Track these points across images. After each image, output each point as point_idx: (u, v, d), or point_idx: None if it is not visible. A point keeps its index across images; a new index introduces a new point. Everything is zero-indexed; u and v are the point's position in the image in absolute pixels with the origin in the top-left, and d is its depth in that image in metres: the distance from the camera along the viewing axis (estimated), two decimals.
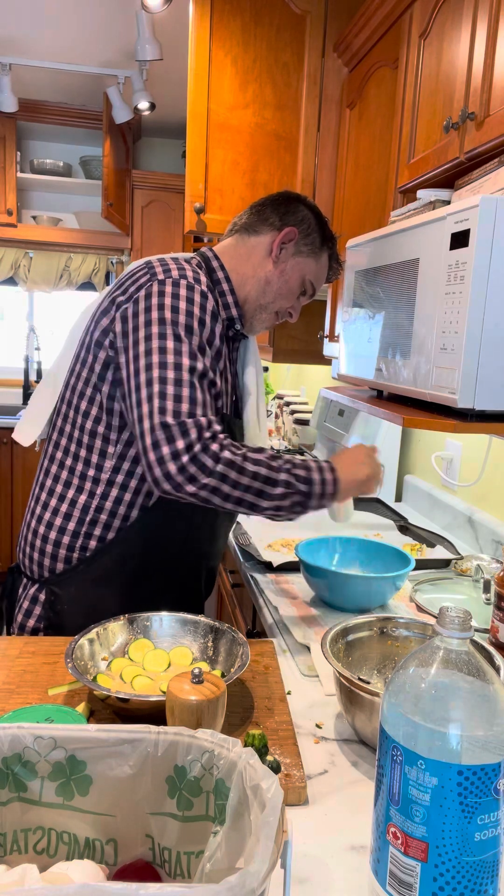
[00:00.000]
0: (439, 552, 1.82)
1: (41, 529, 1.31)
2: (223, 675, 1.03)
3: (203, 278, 1.25)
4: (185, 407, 1.12)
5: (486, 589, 1.48)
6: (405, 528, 2.03)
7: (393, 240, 1.40)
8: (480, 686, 0.64)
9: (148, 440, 1.10)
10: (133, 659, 1.08)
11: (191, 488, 1.10)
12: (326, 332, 2.23)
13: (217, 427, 1.14)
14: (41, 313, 4.87)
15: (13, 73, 3.61)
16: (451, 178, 1.47)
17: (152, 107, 3.53)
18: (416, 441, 2.38)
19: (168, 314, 1.17)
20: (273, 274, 1.37)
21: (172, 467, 1.09)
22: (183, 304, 1.18)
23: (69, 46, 3.33)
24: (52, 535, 1.30)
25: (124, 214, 4.19)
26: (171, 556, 1.34)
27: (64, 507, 1.29)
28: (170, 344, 1.15)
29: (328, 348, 2.22)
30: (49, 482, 1.32)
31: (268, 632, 1.38)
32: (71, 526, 1.29)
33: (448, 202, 1.41)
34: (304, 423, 3.19)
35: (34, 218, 4.42)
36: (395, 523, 2.04)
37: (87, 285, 4.72)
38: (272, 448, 3.18)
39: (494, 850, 0.64)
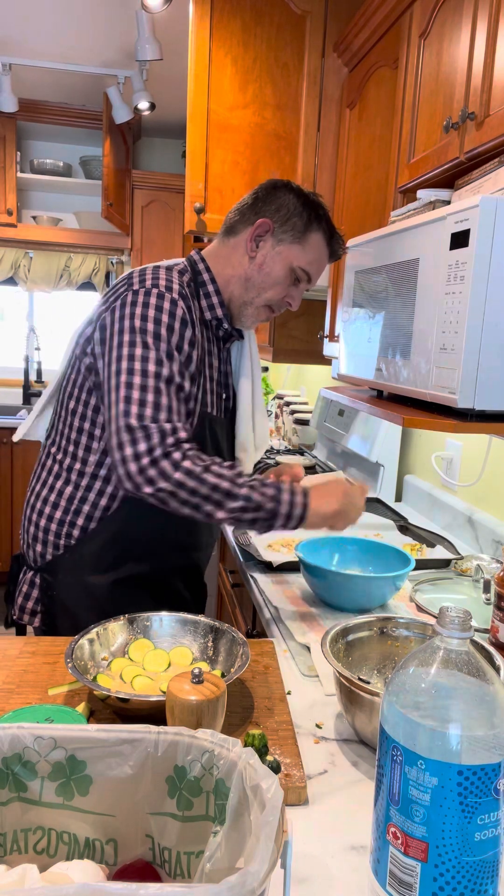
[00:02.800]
0: (439, 552, 1.82)
1: (34, 517, 1.41)
2: (223, 675, 1.03)
3: (175, 286, 1.29)
4: (148, 411, 1.18)
5: (486, 589, 1.48)
6: (405, 528, 2.03)
7: (393, 240, 1.40)
8: (480, 686, 0.64)
9: (114, 441, 1.18)
10: (133, 659, 1.08)
11: (148, 489, 1.16)
12: (326, 332, 2.23)
13: (182, 434, 1.19)
14: (41, 313, 4.87)
15: (13, 73, 3.60)
16: (451, 178, 1.47)
17: (152, 107, 3.53)
18: (416, 441, 2.38)
19: (137, 322, 1.24)
20: (251, 269, 1.38)
21: (133, 467, 1.16)
22: (152, 312, 1.24)
23: (69, 46, 3.33)
24: (43, 522, 1.39)
25: (124, 214, 4.19)
26: (149, 546, 1.39)
27: (53, 497, 1.38)
28: (138, 351, 1.22)
29: (328, 348, 2.22)
30: (44, 474, 1.42)
31: (268, 632, 1.38)
32: (58, 515, 1.38)
33: (448, 202, 1.41)
34: (304, 423, 3.19)
35: (34, 218, 4.42)
36: (395, 523, 2.04)
37: (87, 285, 4.72)
38: (271, 448, 3.17)
39: (494, 850, 0.64)
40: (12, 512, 4.17)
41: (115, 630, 1.10)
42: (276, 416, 3.71)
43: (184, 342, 1.26)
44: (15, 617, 1.44)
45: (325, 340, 2.25)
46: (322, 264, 1.42)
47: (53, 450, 1.41)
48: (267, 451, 3.09)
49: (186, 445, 1.19)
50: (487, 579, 1.49)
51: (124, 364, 1.22)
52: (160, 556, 1.41)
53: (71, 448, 1.37)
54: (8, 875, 0.59)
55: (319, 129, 2.21)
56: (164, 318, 1.25)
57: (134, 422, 1.17)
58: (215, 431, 1.42)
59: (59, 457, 1.40)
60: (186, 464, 1.16)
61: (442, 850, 0.63)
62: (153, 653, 1.09)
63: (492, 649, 1.00)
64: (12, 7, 2.96)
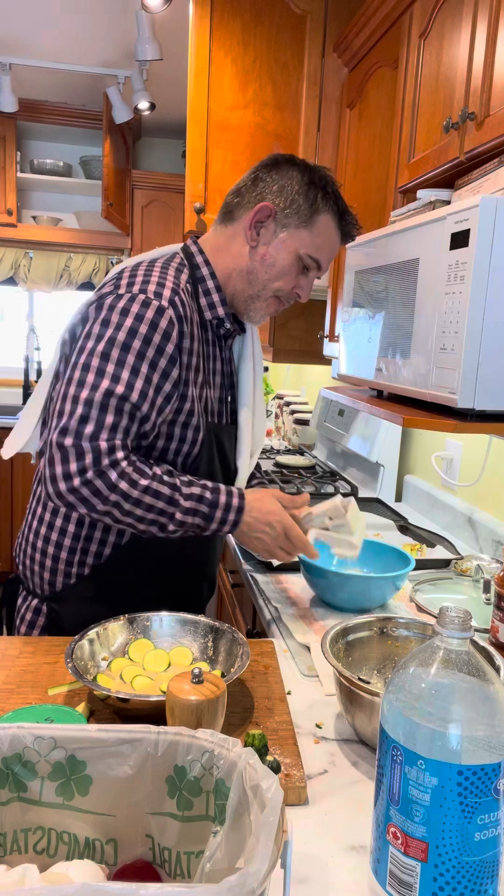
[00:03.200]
0: (439, 552, 1.82)
1: (39, 544, 1.29)
2: (223, 675, 1.03)
3: (167, 291, 1.15)
4: (88, 429, 1.08)
5: (486, 589, 1.48)
6: (405, 528, 2.03)
7: (393, 240, 1.40)
8: (480, 686, 0.64)
9: (46, 453, 1.10)
10: (133, 659, 1.08)
11: (82, 510, 1.10)
12: (326, 332, 2.23)
13: (120, 454, 1.10)
14: (41, 313, 4.87)
15: (13, 73, 3.61)
16: (451, 178, 1.47)
17: (152, 107, 3.53)
18: (416, 441, 2.38)
19: (109, 331, 1.12)
20: (253, 262, 1.26)
21: (62, 486, 1.08)
22: (129, 321, 1.12)
23: (69, 46, 3.33)
24: (51, 550, 1.28)
25: (124, 214, 4.19)
26: (168, 564, 1.31)
27: (60, 523, 1.27)
28: (95, 361, 1.11)
29: (328, 348, 2.22)
30: (44, 497, 1.29)
31: (268, 632, 1.38)
32: (68, 543, 1.26)
33: (448, 202, 1.41)
34: (304, 423, 3.19)
35: (34, 218, 4.42)
36: (395, 523, 2.04)
37: (87, 285, 4.72)
38: (271, 448, 3.17)
39: (494, 850, 0.64)
40: (12, 516, 4.17)
41: (115, 630, 1.10)
42: (276, 416, 3.71)
43: (160, 357, 1.14)
44: None
45: (325, 340, 2.25)
46: (334, 248, 1.30)
47: None
48: (266, 451, 3.09)
49: (124, 462, 1.10)
50: (487, 579, 1.49)
51: (77, 373, 1.11)
52: (180, 576, 1.35)
53: None
54: (8, 875, 0.59)
55: (319, 129, 2.21)
56: (143, 328, 1.12)
57: (68, 440, 1.08)
58: (222, 441, 1.34)
59: None
60: (122, 484, 1.09)
61: (442, 850, 0.63)
62: (153, 653, 1.09)
63: (492, 649, 1.00)
64: (12, 7, 2.96)
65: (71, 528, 1.26)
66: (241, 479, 1.39)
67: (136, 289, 1.15)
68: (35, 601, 1.31)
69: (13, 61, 3.50)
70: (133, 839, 0.66)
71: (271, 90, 2.18)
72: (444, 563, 1.73)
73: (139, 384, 1.12)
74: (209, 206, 2.18)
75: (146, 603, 1.23)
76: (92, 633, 1.06)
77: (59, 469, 1.08)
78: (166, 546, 1.25)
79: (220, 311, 1.28)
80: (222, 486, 1.20)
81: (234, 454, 1.38)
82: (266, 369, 4.15)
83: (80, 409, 1.09)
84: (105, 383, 1.10)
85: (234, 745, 0.63)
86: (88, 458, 1.08)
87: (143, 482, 1.11)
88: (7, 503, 4.14)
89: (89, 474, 1.08)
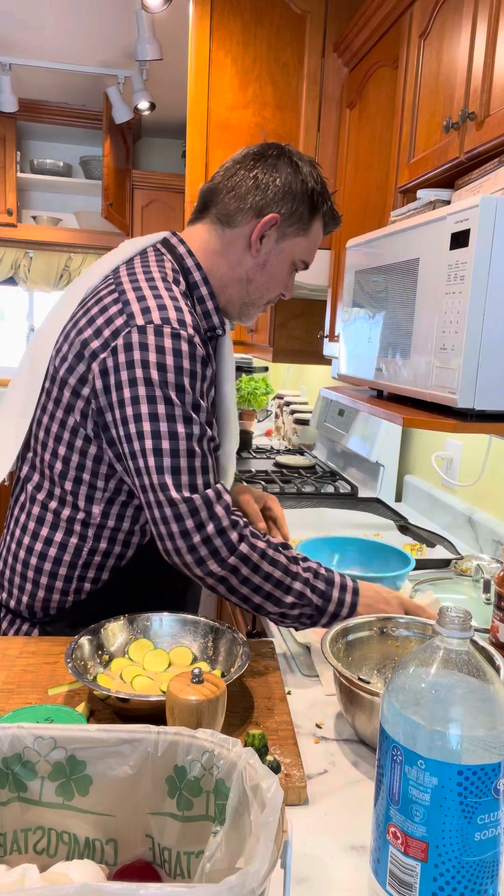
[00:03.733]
0: (439, 552, 1.83)
1: (29, 574, 1.21)
2: (223, 675, 1.03)
3: (187, 316, 1.09)
4: (184, 479, 1.04)
5: (486, 589, 1.48)
6: (405, 528, 2.03)
7: (393, 240, 1.40)
8: (480, 686, 0.64)
9: (155, 513, 1.05)
10: (133, 659, 1.08)
11: (198, 571, 1.05)
12: (326, 332, 2.24)
13: (227, 498, 1.06)
14: (41, 313, 4.87)
15: (13, 73, 3.61)
16: (451, 178, 1.47)
17: (152, 107, 3.53)
18: (416, 441, 2.38)
19: (155, 374, 1.04)
20: (253, 271, 1.21)
21: (182, 545, 1.04)
22: (170, 360, 1.05)
23: (69, 46, 3.33)
24: (43, 580, 1.21)
25: (124, 214, 4.19)
26: (171, 582, 1.28)
27: (52, 552, 1.19)
28: (161, 409, 1.04)
29: (328, 348, 2.22)
30: (32, 524, 1.21)
31: (268, 632, 1.38)
32: (62, 571, 1.20)
33: (448, 202, 1.41)
34: (304, 423, 3.19)
35: (34, 218, 4.43)
36: (395, 523, 2.04)
37: None
38: (271, 448, 3.16)
39: (494, 850, 0.64)
40: None
41: (115, 630, 1.10)
42: (276, 416, 3.71)
43: (206, 383, 1.10)
44: None
45: (325, 340, 2.25)
46: (318, 245, 1.28)
47: (41, 496, 1.20)
48: (266, 451, 3.09)
49: (242, 522, 1.06)
50: (487, 579, 1.49)
51: (146, 426, 1.04)
52: (177, 598, 1.31)
53: (68, 498, 1.18)
54: (8, 875, 0.59)
55: (319, 129, 2.21)
56: (186, 363, 1.06)
57: (174, 494, 1.03)
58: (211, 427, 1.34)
59: (52, 505, 1.19)
60: (243, 547, 1.04)
61: (442, 850, 0.63)
62: (153, 653, 1.09)
63: (492, 649, 1.00)
64: (12, 7, 2.96)
65: (66, 556, 1.20)
66: (227, 475, 1.34)
67: (155, 317, 1.06)
68: (25, 625, 1.26)
69: (13, 61, 3.50)
70: (133, 839, 0.66)
71: (271, 90, 2.18)
72: (444, 563, 1.73)
73: (203, 417, 1.09)
74: None
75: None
76: (92, 633, 1.06)
77: (174, 528, 1.04)
78: (164, 568, 1.20)
79: (215, 319, 1.23)
80: (333, 571, 1.14)
81: (221, 448, 1.33)
82: (266, 369, 4.15)
83: (167, 462, 1.04)
84: (181, 429, 1.05)
85: (234, 745, 0.63)
86: (204, 514, 1.03)
87: (261, 545, 1.07)
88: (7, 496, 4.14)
89: (209, 530, 1.04)
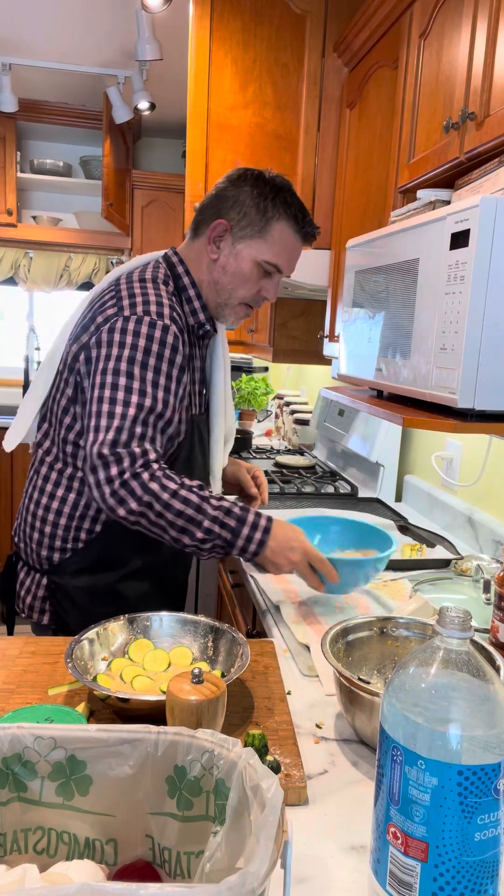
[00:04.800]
0: (439, 552, 1.82)
1: (37, 524, 1.42)
2: (223, 675, 1.03)
3: (166, 309, 1.29)
4: (122, 437, 1.21)
5: (486, 589, 1.48)
6: (405, 528, 2.03)
7: (393, 240, 1.40)
8: (480, 686, 0.64)
9: (88, 463, 1.22)
10: (133, 659, 1.08)
11: (121, 511, 1.20)
12: (326, 332, 2.24)
13: (151, 456, 1.22)
14: (41, 313, 4.87)
15: (13, 73, 3.61)
16: (451, 178, 1.47)
17: (152, 107, 3.53)
18: (416, 441, 2.38)
19: (126, 351, 1.25)
20: (217, 273, 1.39)
21: (106, 490, 1.20)
22: (142, 342, 1.26)
23: (69, 46, 3.33)
24: (48, 529, 1.41)
25: (124, 214, 4.19)
26: (152, 539, 1.35)
27: (56, 505, 1.40)
28: (122, 380, 1.24)
29: (328, 348, 2.22)
30: (41, 482, 1.43)
31: (268, 632, 1.38)
32: (63, 521, 1.40)
33: (448, 202, 1.41)
34: (304, 423, 3.19)
35: (34, 218, 4.42)
36: (395, 523, 2.04)
37: (87, 285, 4.72)
38: (271, 448, 3.17)
39: (494, 850, 0.64)
40: (12, 511, 4.17)
41: (115, 630, 1.10)
42: (276, 416, 3.71)
43: (173, 368, 1.28)
44: (24, 615, 1.47)
45: (325, 340, 2.25)
46: (294, 251, 1.40)
47: (49, 459, 1.43)
48: (266, 451, 3.09)
49: (155, 465, 1.21)
50: (487, 579, 1.49)
51: (107, 392, 1.24)
52: (162, 546, 1.41)
53: (70, 459, 1.39)
54: (8, 875, 0.59)
55: (319, 129, 2.21)
56: (154, 346, 1.26)
57: (106, 449, 1.20)
58: (199, 429, 1.47)
59: (57, 466, 1.41)
60: (154, 486, 1.19)
61: (442, 850, 0.63)
62: (153, 653, 1.09)
63: (492, 649, 1.00)
64: (12, 7, 2.96)
65: (66, 508, 1.39)
66: (216, 462, 1.53)
67: (139, 310, 1.28)
68: (36, 574, 1.44)
69: (13, 61, 3.50)
70: (133, 839, 0.66)
71: (271, 90, 2.17)
72: (444, 563, 1.73)
73: (161, 395, 1.26)
74: None
75: (133, 574, 1.40)
76: (92, 633, 1.06)
77: (101, 475, 1.20)
78: None
79: (202, 316, 1.42)
80: (250, 508, 1.28)
81: (208, 441, 1.52)
82: (266, 369, 4.16)
83: (115, 422, 1.22)
84: (134, 399, 1.23)
85: (234, 745, 0.63)
86: (126, 462, 1.20)
87: (173, 486, 1.21)
88: (8, 489, 4.17)
89: (126, 475, 1.19)
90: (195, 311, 1.41)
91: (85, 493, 1.38)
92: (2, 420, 4.15)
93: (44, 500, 1.42)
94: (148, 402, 1.24)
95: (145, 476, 1.20)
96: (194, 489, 1.23)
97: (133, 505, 1.19)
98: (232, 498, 1.39)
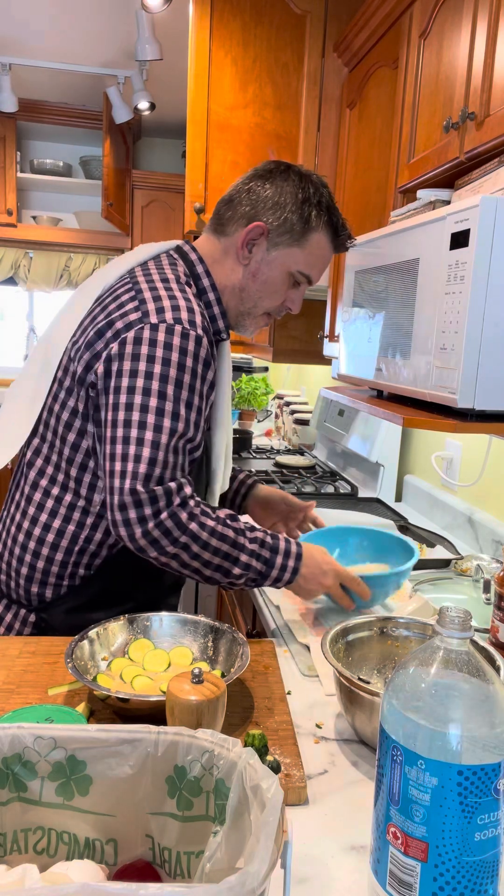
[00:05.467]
0: (439, 552, 1.82)
1: (27, 558, 1.26)
2: (223, 675, 1.03)
3: (198, 318, 1.15)
4: (156, 471, 1.08)
5: (486, 589, 1.48)
6: (405, 528, 2.03)
7: (393, 240, 1.40)
8: (480, 686, 0.64)
9: (115, 499, 1.08)
10: (133, 659, 1.08)
11: (152, 553, 1.09)
12: (326, 332, 2.24)
13: (187, 490, 1.10)
14: (41, 313, 4.87)
15: (13, 73, 3.61)
16: (451, 178, 1.47)
17: (152, 107, 3.53)
18: (416, 441, 2.38)
19: (157, 368, 1.10)
20: (245, 280, 1.26)
21: (137, 531, 1.07)
22: (175, 357, 1.11)
23: (69, 46, 3.33)
24: (40, 564, 1.25)
25: (124, 214, 4.19)
26: (156, 573, 1.30)
27: (51, 538, 1.24)
28: (153, 402, 1.09)
29: (328, 348, 2.22)
30: (33, 510, 1.25)
31: (268, 632, 1.38)
32: (59, 556, 1.24)
33: (448, 202, 1.41)
34: (304, 423, 3.19)
35: (34, 218, 4.42)
36: (395, 523, 2.04)
37: None
38: (271, 448, 3.16)
39: (494, 850, 0.64)
40: None
41: (115, 630, 1.10)
42: (277, 416, 3.71)
43: (205, 385, 1.16)
44: None
45: (325, 340, 2.25)
46: (325, 262, 1.29)
47: (44, 482, 1.24)
48: (266, 451, 3.09)
49: (192, 502, 1.11)
50: (487, 579, 1.49)
51: (135, 415, 1.09)
52: (163, 577, 1.33)
53: (71, 484, 1.22)
54: (8, 875, 0.59)
55: (319, 129, 2.21)
56: (188, 361, 1.11)
57: (140, 486, 1.07)
58: (204, 441, 1.34)
59: (54, 491, 1.23)
60: (193, 526, 1.09)
61: (442, 850, 0.63)
62: (153, 653, 1.09)
63: (492, 649, 1.00)
64: (12, 7, 2.96)
65: (64, 542, 1.23)
66: (218, 474, 1.36)
67: (168, 316, 1.12)
68: (21, 610, 1.29)
69: (13, 61, 3.50)
70: (133, 839, 0.66)
71: (271, 90, 2.18)
72: (444, 563, 1.73)
73: (193, 417, 1.13)
74: (209, 206, 2.18)
75: (132, 609, 1.23)
76: (92, 633, 1.06)
77: (132, 514, 1.07)
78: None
79: (221, 323, 1.28)
80: (280, 535, 1.21)
81: (210, 453, 1.35)
82: (266, 369, 4.15)
83: (146, 452, 1.08)
84: (167, 423, 1.09)
85: (234, 745, 0.63)
86: (162, 502, 1.08)
87: (210, 523, 1.11)
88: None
89: (162, 515, 1.07)
90: (214, 318, 1.26)
91: (87, 524, 1.23)
92: None
93: (36, 532, 1.24)
94: (181, 426, 1.11)
95: (183, 516, 1.08)
96: (229, 523, 1.14)
97: (168, 547, 1.08)
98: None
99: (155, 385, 1.09)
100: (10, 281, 4.64)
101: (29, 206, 4.58)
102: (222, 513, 1.15)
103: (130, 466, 1.08)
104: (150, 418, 1.09)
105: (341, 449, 2.81)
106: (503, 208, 1.08)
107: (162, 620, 1.14)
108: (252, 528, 1.18)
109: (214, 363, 1.21)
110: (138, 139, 4.55)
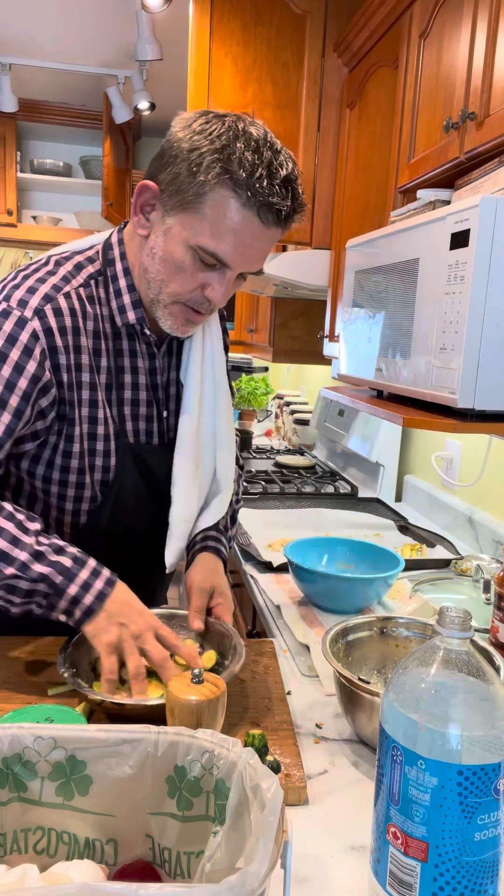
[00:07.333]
0: (439, 552, 1.82)
1: None
2: (218, 664, 1.03)
3: (36, 298, 1.00)
4: None
5: (486, 589, 1.48)
6: (405, 528, 2.03)
7: (393, 240, 1.40)
8: (480, 686, 0.64)
9: None
10: None
11: None
12: (326, 332, 2.24)
13: None
14: None
15: (13, 73, 3.61)
16: (451, 178, 1.47)
17: (152, 107, 3.53)
18: (416, 441, 2.38)
19: None
20: (145, 256, 1.03)
21: None
22: None
23: (69, 46, 3.33)
24: None
25: (124, 214, 4.19)
26: (124, 550, 1.19)
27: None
28: None
29: (328, 348, 2.22)
30: None
31: (268, 632, 1.38)
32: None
33: (448, 202, 1.41)
34: (304, 423, 3.19)
35: (34, 218, 4.42)
36: (395, 523, 2.04)
37: None
38: (271, 448, 3.15)
39: (494, 850, 0.64)
40: None
41: None
42: (277, 416, 3.71)
43: (20, 376, 0.99)
44: None
45: (325, 340, 2.25)
46: (243, 234, 0.95)
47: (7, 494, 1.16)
48: (266, 451, 3.08)
49: None
50: (487, 579, 1.49)
51: None
52: (136, 561, 1.22)
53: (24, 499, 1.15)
54: (8, 875, 0.59)
55: (319, 129, 2.21)
56: (13, 353, 0.98)
57: None
58: (148, 465, 1.16)
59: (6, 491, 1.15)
60: None
61: (442, 850, 0.63)
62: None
63: (492, 649, 1.00)
64: (12, 7, 2.96)
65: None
66: (179, 508, 1.16)
67: (13, 302, 0.99)
68: None
69: (13, 61, 3.50)
70: (133, 839, 0.66)
71: (271, 90, 2.17)
72: (444, 563, 1.73)
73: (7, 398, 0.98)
74: None
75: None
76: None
77: None
78: (124, 536, 1.17)
79: (131, 315, 1.07)
80: (92, 561, 0.99)
81: (162, 477, 1.17)
82: (266, 369, 4.15)
83: None
84: None
85: (234, 745, 0.63)
86: None
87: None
88: None
89: None
90: (123, 309, 1.07)
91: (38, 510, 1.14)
92: None
93: None
94: None
95: None
96: (15, 516, 0.97)
97: None
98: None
99: None
100: None
101: (29, 206, 4.58)
102: (17, 512, 0.99)
103: None
104: None
105: (341, 449, 2.81)
106: (503, 208, 1.08)
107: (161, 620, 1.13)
108: (48, 536, 0.98)
109: (60, 357, 1.02)
110: (138, 139, 4.54)
